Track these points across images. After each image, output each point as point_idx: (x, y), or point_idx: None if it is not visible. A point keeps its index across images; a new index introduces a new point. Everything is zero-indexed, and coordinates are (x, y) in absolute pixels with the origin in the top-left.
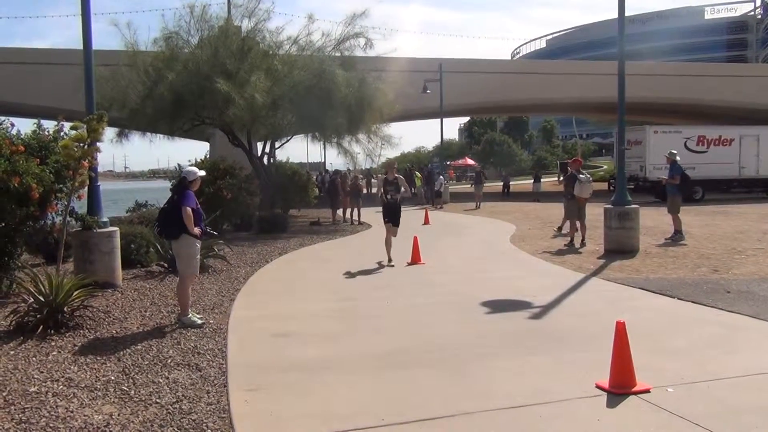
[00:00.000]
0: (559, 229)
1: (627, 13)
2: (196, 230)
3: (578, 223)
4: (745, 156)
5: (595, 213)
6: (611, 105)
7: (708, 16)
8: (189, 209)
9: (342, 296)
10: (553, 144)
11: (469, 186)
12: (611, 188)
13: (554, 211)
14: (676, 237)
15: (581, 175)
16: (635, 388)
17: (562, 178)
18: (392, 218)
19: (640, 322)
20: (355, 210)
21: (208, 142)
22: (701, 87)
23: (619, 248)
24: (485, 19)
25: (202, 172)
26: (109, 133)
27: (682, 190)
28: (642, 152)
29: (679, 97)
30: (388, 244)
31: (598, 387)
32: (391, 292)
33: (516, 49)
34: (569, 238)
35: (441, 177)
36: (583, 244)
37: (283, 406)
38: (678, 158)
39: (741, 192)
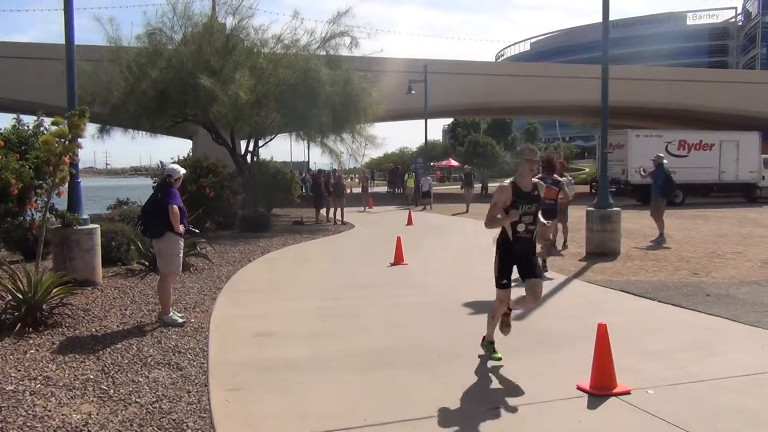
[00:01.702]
0: None
1: (611, 18)
2: (180, 228)
3: (560, 226)
4: (725, 161)
5: (577, 216)
6: (596, 108)
7: (690, 22)
8: (176, 207)
9: (325, 296)
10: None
11: (459, 188)
12: (593, 191)
13: None
14: (660, 240)
15: (563, 178)
16: (616, 390)
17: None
18: (528, 267)
19: (621, 324)
20: (338, 210)
21: (191, 139)
22: (687, 92)
23: (601, 251)
24: (477, 21)
25: (183, 170)
26: (91, 128)
27: (665, 193)
28: (624, 156)
29: (665, 101)
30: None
31: (579, 388)
32: (375, 292)
33: (500, 51)
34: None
35: (429, 177)
36: (564, 246)
37: (264, 405)
38: (665, 161)
39: (721, 196)
